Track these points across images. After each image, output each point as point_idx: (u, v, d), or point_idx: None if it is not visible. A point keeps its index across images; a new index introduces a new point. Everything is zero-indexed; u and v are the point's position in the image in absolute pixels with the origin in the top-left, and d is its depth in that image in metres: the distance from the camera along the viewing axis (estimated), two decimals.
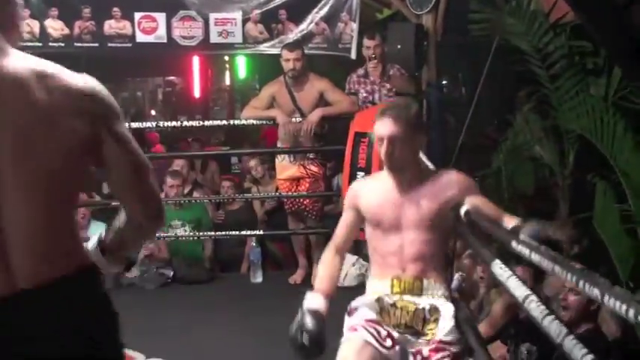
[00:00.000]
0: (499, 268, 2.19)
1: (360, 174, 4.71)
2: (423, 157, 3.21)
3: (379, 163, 4.53)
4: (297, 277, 5.43)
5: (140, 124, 5.99)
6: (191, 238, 5.59)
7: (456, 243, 3.24)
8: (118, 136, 1.59)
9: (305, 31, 6.19)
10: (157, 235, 5.48)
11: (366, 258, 5.37)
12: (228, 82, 13.23)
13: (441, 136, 5.99)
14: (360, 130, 4.80)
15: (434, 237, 2.74)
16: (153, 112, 14.74)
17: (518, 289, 1.99)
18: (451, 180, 2.79)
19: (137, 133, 8.81)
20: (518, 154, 6.25)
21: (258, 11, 6.17)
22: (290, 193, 5.37)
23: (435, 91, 6.08)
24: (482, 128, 7.08)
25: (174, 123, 6.25)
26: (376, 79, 5.40)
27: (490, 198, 2.78)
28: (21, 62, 1.50)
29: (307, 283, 5.36)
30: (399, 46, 5.63)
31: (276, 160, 5.44)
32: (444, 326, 2.63)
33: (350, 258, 5.31)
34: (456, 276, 3.73)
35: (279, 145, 5.41)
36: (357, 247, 5.49)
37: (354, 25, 6.18)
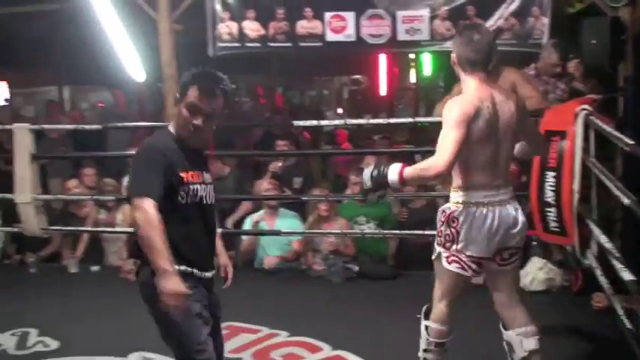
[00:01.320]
0: None
1: (551, 174, 4.53)
2: None
3: (571, 162, 4.36)
4: (481, 278, 5.34)
5: (329, 121, 6.15)
6: (377, 236, 5.67)
7: None
8: None
9: (493, 27, 6.06)
10: (343, 231, 5.63)
11: (554, 263, 5.20)
12: (413, 80, 13.22)
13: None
14: (550, 128, 4.62)
15: None
16: (339, 111, 15.06)
17: None
18: None
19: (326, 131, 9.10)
20: None
21: (446, 8, 6.16)
22: None
23: (633, 87, 5.71)
24: None
25: (362, 121, 6.38)
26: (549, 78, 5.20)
27: None
28: None
29: None
30: (593, 41, 5.36)
31: None
32: None
33: (537, 262, 5.16)
34: None
35: None
36: (546, 250, 5.33)
37: (546, 20, 5.98)
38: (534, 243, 5.40)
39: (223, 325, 4.56)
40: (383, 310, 4.79)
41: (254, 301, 5.15)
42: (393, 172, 3.03)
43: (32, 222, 5.80)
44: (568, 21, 6.30)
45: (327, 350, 4.13)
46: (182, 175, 2.69)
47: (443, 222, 3.19)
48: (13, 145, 5.91)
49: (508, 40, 6.09)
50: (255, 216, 6.06)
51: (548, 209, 4.55)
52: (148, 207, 2.56)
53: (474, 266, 3.17)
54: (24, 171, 5.52)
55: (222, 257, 3.08)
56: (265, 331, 4.51)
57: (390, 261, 5.80)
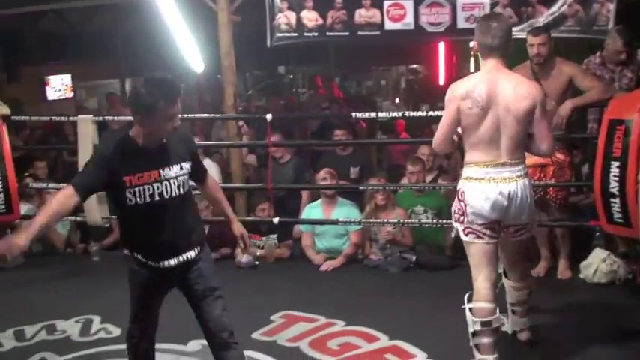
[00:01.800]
0: None
1: (615, 164, 4.41)
2: None
3: (636, 152, 4.24)
4: (539, 270, 5.25)
5: (388, 113, 6.10)
6: (434, 225, 5.62)
7: None
8: None
9: (556, 14, 5.91)
10: (401, 221, 5.60)
11: (618, 254, 5.07)
12: (472, 69, 13.03)
13: None
14: (615, 118, 4.49)
15: None
16: (397, 100, 14.98)
17: None
18: None
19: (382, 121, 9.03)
20: None
21: None
22: (533, 182, 5.18)
23: None
24: None
25: (420, 113, 6.31)
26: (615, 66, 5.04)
27: None
28: None
29: (551, 276, 5.18)
30: None
31: None
32: None
33: (600, 253, 5.04)
34: None
35: None
36: (610, 242, 5.20)
37: (611, 6, 5.79)
38: (597, 234, 5.29)
39: (280, 313, 4.66)
40: (440, 301, 4.75)
41: (311, 291, 5.18)
42: None
43: (95, 212, 5.93)
44: (634, 7, 6.10)
45: (384, 340, 4.13)
46: (125, 179, 2.95)
47: (455, 199, 3.55)
48: (77, 137, 6.05)
49: (572, 27, 5.90)
50: (313, 205, 6.09)
51: (612, 200, 4.44)
52: (63, 191, 2.98)
53: (487, 232, 3.45)
54: None
55: (235, 226, 3.38)
56: (322, 320, 4.52)
57: (448, 251, 5.74)
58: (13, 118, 6.23)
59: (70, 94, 12.42)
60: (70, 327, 4.64)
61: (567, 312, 4.54)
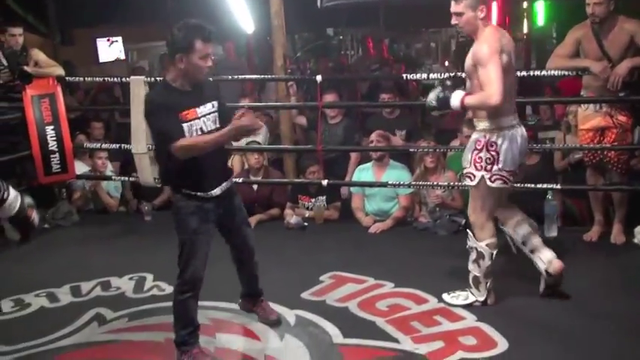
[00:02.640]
0: None
1: None
2: None
3: None
4: (592, 235, 5.17)
5: (439, 74, 5.99)
6: None
7: None
8: None
9: None
10: (451, 183, 5.55)
11: None
12: (525, 30, 12.73)
13: None
14: None
15: None
16: (446, 63, 14.74)
17: None
18: None
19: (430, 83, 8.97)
20: None
21: None
22: (593, 145, 5.06)
23: None
24: None
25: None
26: None
27: None
28: None
29: (604, 240, 5.10)
30: None
31: (579, 109, 5.14)
32: None
33: None
34: None
35: (582, 93, 5.11)
36: None
37: None
38: None
39: (329, 274, 4.70)
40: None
41: (359, 253, 5.19)
42: (456, 98, 3.74)
43: (147, 172, 6.01)
44: None
45: (432, 302, 4.13)
46: (181, 116, 3.28)
47: (480, 149, 3.83)
48: (127, 98, 6.12)
49: None
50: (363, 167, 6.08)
51: None
52: (178, 143, 3.22)
53: (511, 178, 3.90)
54: (140, 122, 5.68)
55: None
56: (371, 281, 4.54)
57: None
58: (67, 79, 6.34)
59: (122, 57, 12.54)
60: (124, 284, 4.75)
61: (619, 276, 4.47)
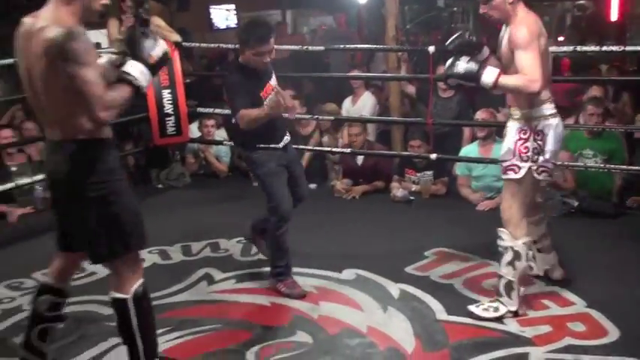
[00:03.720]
0: None
1: None
2: None
3: None
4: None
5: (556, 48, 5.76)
6: (601, 170, 5.34)
7: None
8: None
9: None
10: (565, 163, 5.37)
11: None
12: None
13: None
14: None
15: None
16: (560, 39, 14.19)
17: None
18: None
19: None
20: None
21: None
22: None
23: None
24: None
25: (593, 48, 5.94)
26: None
27: None
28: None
29: None
30: None
31: None
32: None
33: None
34: None
35: None
36: None
37: None
38: None
39: (434, 250, 4.68)
40: (599, 247, 4.62)
41: (466, 230, 5.12)
42: (490, 75, 3.38)
43: None
44: None
45: (540, 285, 4.02)
46: (260, 94, 3.82)
47: (526, 139, 3.52)
48: None
49: None
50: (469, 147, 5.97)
51: None
52: (242, 114, 3.73)
53: (552, 172, 3.70)
54: None
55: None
56: (477, 260, 4.48)
57: (614, 198, 5.46)
58: (184, 44, 6.50)
59: (234, 24, 12.75)
60: (232, 246, 4.89)
61: None
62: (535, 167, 3.53)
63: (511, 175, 3.57)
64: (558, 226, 5.10)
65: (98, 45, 6.40)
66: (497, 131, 5.86)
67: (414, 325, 3.61)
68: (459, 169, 6.00)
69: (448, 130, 6.40)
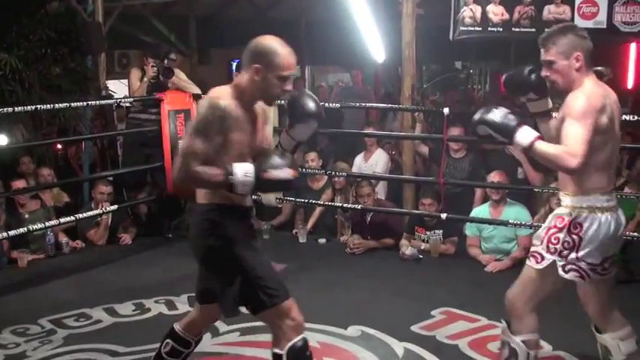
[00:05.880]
0: None
1: None
2: None
3: None
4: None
5: None
6: None
7: None
8: None
9: None
10: None
11: None
12: None
13: None
14: None
15: None
16: None
17: None
18: None
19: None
20: None
21: None
22: None
23: None
24: None
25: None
26: None
27: None
28: None
29: None
30: None
31: None
32: None
33: None
34: None
35: None
36: None
37: None
38: None
39: (441, 309, 4.66)
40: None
41: (474, 290, 5.09)
42: (526, 136, 2.94)
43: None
44: None
45: (547, 349, 3.97)
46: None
47: (560, 228, 3.02)
48: None
49: None
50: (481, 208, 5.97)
51: None
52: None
53: (591, 274, 3.03)
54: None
55: None
56: (484, 321, 4.44)
57: (630, 266, 5.39)
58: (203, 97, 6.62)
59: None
60: None
61: None
62: (562, 263, 3.03)
63: (532, 262, 3.14)
64: (569, 289, 5.07)
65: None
66: (509, 193, 5.89)
67: None
68: (469, 229, 5.98)
69: (460, 190, 6.41)
